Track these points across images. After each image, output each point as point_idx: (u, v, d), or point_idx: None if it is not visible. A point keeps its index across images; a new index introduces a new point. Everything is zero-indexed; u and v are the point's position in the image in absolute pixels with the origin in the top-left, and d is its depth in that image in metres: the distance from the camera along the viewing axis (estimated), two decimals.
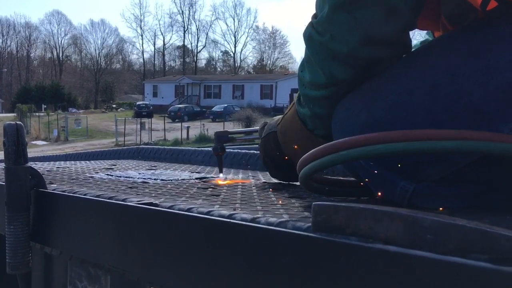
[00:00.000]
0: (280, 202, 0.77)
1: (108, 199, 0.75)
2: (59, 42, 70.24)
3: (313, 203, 0.47)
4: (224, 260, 0.56)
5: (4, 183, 0.84)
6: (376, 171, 0.68)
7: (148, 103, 43.21)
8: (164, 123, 26.85)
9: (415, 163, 0.64)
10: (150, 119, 27.79)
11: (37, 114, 34.55)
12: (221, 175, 1.16)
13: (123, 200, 0.72)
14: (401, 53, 0.73)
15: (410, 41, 0.75)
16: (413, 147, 0.56)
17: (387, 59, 0.72)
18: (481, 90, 0.61)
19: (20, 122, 0.83)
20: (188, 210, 0.64)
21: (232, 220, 0.57)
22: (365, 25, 0.67)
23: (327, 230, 0.45)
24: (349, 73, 0.73)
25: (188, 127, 25.30)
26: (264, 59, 69.50)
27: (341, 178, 0.79)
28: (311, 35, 0.74)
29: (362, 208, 0.43)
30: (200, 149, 1.94)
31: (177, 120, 32.82)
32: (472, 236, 0.38)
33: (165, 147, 2.06)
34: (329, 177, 0.77)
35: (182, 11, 71.92)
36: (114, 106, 51.95)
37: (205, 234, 0.59)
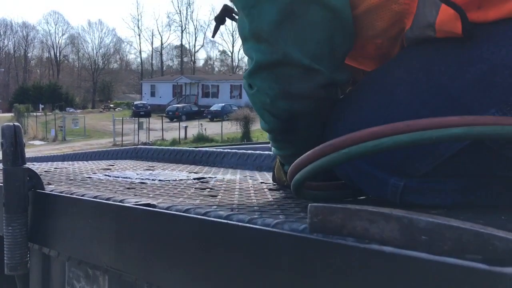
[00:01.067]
0: (277, 202, 0.77)
1: (105, 200, 0.75)
2: (57, 42, 70.18)
3: (309, 204, 0.47)
4: (221, 261, 0.56)
5: (1, 184, 0.84)
6: (365, 170, 0.68)
7: (146, 102, 43.16)
8: (162, 123, 26.82)
9: (403, 159, 0.66)
10: (148, 119, 27.75)
11: (34, 114, 34.49)
12: (212, 38, 1.16)
13: (120, 201, 0.73)
14: (324, 105, 0.78)
15: (335, 93, 0.79)
16: (421, 137, 0.56)
17: (309, 111, 0.77)
18: (457, 83, 0.63)
19: (18, 124, 0.83)
20: (186, 211, 0.64)
21: (229, 221, 0.57)
22: (283, 81, 0.74)
23: (323, 231, 0.45)
24: (277, 122, 0.80)
25: (186, 127, 25.27)
26: None
27: (335, 182, 0.79)
28: (245, 87, 0.81)
29: (358, 209, 0.43)
30: (198, 149, 1.94)
31: (175, 120, 32.79)
32: (466, 237, 0.38)
33: (163, 147, 2.06)
34: (322, 183, 0.77)
35: (180, 11, 71.93)
36: (111, 106, 51.85)
37: (202, 235, 0.59)
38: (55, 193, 0.83)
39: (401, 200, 0.66)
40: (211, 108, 36.85)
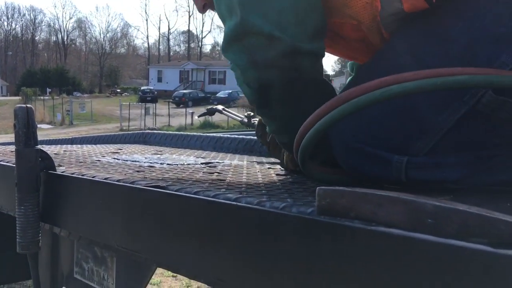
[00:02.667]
0: (284, 186, 0.78)
1: (116, 181, 0.76)
2: (64, 25, 70.18)
3: (318, 187, 0.48)
4: (230, 242, 0.57)
5: (14, 165, 0.86)
6: (368, 152, 0.70)
7: (152, 88, 43.14)
8: (169, 109, 26.83)
9: (404, 139, 0.68)
10: (154, 104, 27.75)
11: (42, 97, 34.62)
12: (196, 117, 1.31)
13: (131, 183, 0.74)
14: (295, 77, 0.79)
15: (308, 65, 0.80)
16: (428, 83, 0.58)
17: (278, 81, 0.79)
18: (441, 61, 0.66)
19: (30, 106, 0.85)
20: (196, 193, 0.65)
21: (238, 203, 0.58)
22: (250, 51, 0.77)
23: (331, 213, 0.46)
24: (251, 93, 0.83)
25: (192, 113, 25.27)
26: None
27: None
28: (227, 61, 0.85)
29: (366, 193, 0.44)
30: (205, 134, 1.95)
31: (181, 106, 32.81)
32: (472, 220, 0.39)
33: (170, 132, 2.07)
34: (334, 168, 0.78)
35: None
36: (118, 90, 51.92)
37: (211, 216, 0.60)
38: (67, 174, 0.84)
39: (406, 176, 0.67)
40: (218, 95, 36.78)
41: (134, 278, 1.03)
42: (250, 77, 0.80)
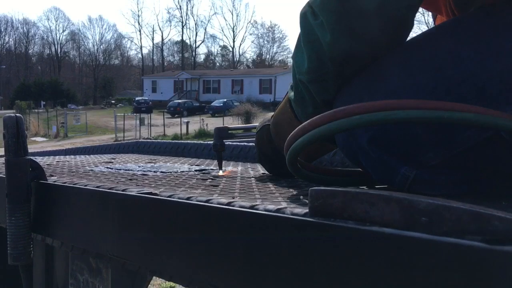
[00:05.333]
0: (278, 191, 0.78)
1: (108, 189, 0.75)
2: (57, 38, 70.21)
3: (310, 188, 0.47)
4: (223, 247, 0.56)
5: (4, 175, 0.84)
6: (376, 154, 0.67)
7: (147, 98, 43.16)
8: (164, 119, 26.81)
9: (416, 147, 0.64)
10: (149, 115, 27.73)
11: (36, 110, 34.55)
12: (220, 172, 1.15)
13: (123, 191, 0.73)
14: (380, 54, 0.69)
15: (401, 40, 0.71)
16: (432, 115, 0.56)
17: (363, 58, 0.69)
18: (486, 72, 0.61)
19: (19, 115, 0.84)
20: (188, 199, 0.64)
21: (231, 207, 0.57)
22: (351, 16, 0.65)
23: (324, 214, 0.46)
24: (322, 66, 0.71)
25: (187, 122, 25.26)
26: (263, 53, 69.41)
27: (338, 168, 0.79)
28: (306, 14, 0.72)
29: (358, 192, 0.43)
30: (199, 142, 1.94)
31: (176, 116, 32.79)
32: (466, 217, 0.39)
33: (165, 141, 2.06)
34: (325, 167, 0.76)
35: (180, 6, 71.87)
36: (113, 102, 51.86)
37: (204, 222, 0.59)
38: (58, 184, 0.83)
39: (409, 190, 0.65)
40: (213, 104, 36.84)
41: None
42: (339, 48, 0.67)
